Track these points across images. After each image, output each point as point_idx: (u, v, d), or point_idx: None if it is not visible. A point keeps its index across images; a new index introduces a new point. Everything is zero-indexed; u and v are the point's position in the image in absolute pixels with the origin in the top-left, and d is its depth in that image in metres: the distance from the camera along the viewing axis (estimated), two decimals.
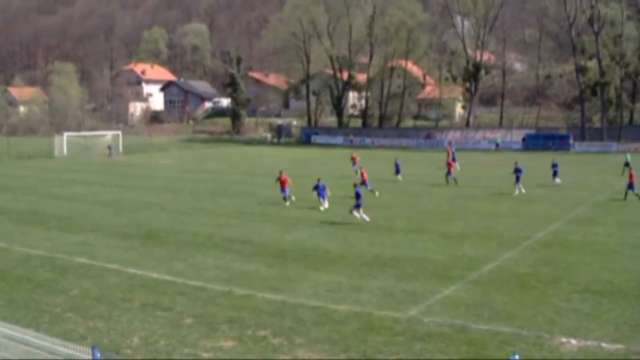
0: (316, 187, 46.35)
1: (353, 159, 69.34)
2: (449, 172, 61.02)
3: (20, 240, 36.27)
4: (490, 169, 67.61)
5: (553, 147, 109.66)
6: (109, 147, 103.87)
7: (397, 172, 62.91)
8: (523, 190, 52.64)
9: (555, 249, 32.16)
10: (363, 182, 51.31)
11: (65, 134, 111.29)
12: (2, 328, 16.10)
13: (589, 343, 19.69)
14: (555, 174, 59.31)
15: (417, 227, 38.96)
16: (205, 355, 19.20)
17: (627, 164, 65.93)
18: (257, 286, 26.18)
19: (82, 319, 22.42)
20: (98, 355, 13.98)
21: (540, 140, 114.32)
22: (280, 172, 48.05)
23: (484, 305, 23.33)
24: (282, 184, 47.18)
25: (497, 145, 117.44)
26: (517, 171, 53.08)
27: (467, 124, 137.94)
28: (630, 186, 48.99)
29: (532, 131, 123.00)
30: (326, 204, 45.96)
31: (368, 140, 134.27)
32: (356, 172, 65.46)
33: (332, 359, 18.94)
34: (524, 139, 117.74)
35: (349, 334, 20.67)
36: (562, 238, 35.11)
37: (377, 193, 51.49)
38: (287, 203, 46.66)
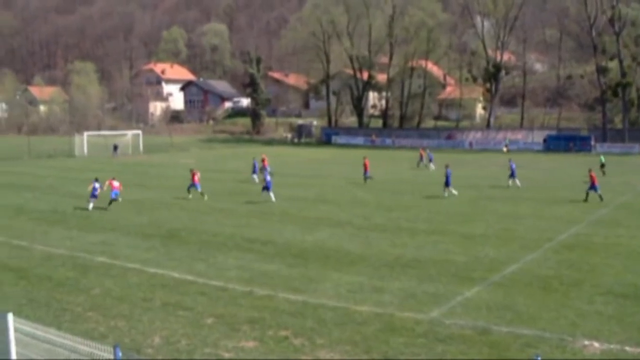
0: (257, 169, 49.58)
1: (263, 161, 68.82)
2: (365, 171, 63.04)
3: (41, 239, 36.40)
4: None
5: (574, 148, 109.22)
6: (115, 147, 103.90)
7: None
8: (454, 192, 52.37)
9: (578, 251, 31.93)
10: (193, 184, 52.53)
11: (86, 134, 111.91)
12: (24, 326, 16.11)
13: (612, 346, 19.50)
14: (512, 174, 58.79)
15: (438, 228, 38.81)
16: (226, 355, 19.16)
17: (602, 165, 65.85)
18: (279, 286, 26.12)
19: (103, 318, 22.43)
20: (119, 354, 13.96)
21: (562, 142, 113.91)
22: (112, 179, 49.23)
23: (506, 307, 23.19)
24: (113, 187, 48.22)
25: (506, 146, 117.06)
26: (447, 175, 52.72)
27: (488, 125, 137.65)
28: (593, 187, 49.26)
29: (553, 132, 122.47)
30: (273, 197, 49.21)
31: (389, 141, 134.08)
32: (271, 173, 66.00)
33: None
34: (545, 140, 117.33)
35: (371, 335, 20.57)
36: (584, 240, 34.90)
37: (206, 197, 52.39)
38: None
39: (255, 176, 64.61)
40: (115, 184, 48.29)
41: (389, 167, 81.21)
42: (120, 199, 48.24)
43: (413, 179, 64.62)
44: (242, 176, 67.43)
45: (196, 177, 52.54)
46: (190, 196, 52.42)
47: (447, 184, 52.52)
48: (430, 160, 78.57)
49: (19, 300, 24.64)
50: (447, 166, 54.16)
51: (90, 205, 47.22)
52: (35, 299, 24.74)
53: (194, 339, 20.31)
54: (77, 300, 24.56)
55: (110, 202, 47.69)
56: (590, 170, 51.24)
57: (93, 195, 47.23)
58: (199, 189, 52.47)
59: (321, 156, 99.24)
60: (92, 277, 27.81)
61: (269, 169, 65.85)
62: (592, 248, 32.80)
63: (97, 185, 47.62)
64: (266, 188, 50.22)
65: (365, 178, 62.48)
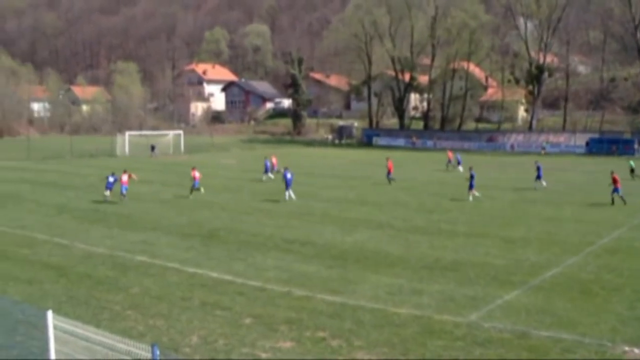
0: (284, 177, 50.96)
1: (273, 164, 71.18)
2: (389, 173, 63.14)
3: (81, 237, 36.69)
4: (552, 173, 66.89)
5: (617, 151, 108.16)
6: (152, 147, 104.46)
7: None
8: (477, 194, 51.88)
9: (619, 256, 31.62)
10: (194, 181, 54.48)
11: (127, 133, 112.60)
12: (64, 324, 16.22)
13: None
14: (539, 176, 59.09)
15: (478, 231, 38.61)
16: (263, 355, 19.18)
17: (632, 170, 65.21)
18: (317, 287, 26.13)
19: (142, 316, 22.56)
20: (157, 353, 14.01)
21: (604, 145, 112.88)
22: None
23: (546, 311, 23.03)
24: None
25: (543, 149, 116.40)
26: (471, 177, 52.25)
27: (530, 127, 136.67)
28: (616, 189, 48.99)
29: (596, 135, 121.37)
30: (292, 195, 48.85)
31: (430, 143, 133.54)
32: (277, 171, 68.17)
33: None
34: (587, 143, 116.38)
35: (409, 338, 20.52)
36: (626, 244, 34.54)
37: (202, 190, 54.42)
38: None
39: (268, 175, 65.53)
40: (124, 178, 51.46)
41: (430, 169, 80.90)
42: (125, 198, 50.31)
43: (453, 181, 64.29)
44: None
45: (196, 175, 54.32)
46: (192, 196, 53.47)
47: (471, 186, 52.12)
48: (458, 163, 78.36)
49: (59, 297, 24.86)
50: (471, 168, 53.81)
51: (107, 194, 51.17)
52: (74, 297, 24.94)
53: (231, 339, 20.37)
54: (116, 298, 24.73)
55: (120, 197, 50.56)
56: (612, 173, 50.91)
57: (108, 187, 51.12)
58: (197, 186, 54.01)
59: (362, 157, 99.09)
60: (132, 276, 28.00)
61: (276, 169, 66.37)
62: (634, 252, 32.50)
63: (111, 179, 51.27)
64: (287, 186, 50.93)
65: (390, 179, 62.45)
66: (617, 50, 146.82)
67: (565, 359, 18.79)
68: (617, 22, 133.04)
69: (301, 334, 20.92)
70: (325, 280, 27.28)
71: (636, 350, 19.45)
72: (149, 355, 14.10)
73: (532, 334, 20.77)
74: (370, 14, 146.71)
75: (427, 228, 39.58)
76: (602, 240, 35.49)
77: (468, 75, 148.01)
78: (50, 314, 16.30)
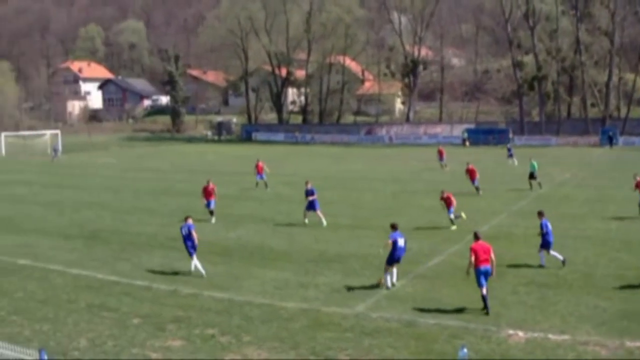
0: None
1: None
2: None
3: None
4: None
5: (493, 141, 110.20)
6: (55, 149, 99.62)
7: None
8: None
9: (500, 242, 31.80)
10: None
11: (3, 134, 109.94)
12: None
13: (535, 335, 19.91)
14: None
15: (362, 224, 39.09)
16: (153, 355, 19.12)
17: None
18: (203, 285, 26.14)
19: (27, 321, 22.19)
20: (45, 357, 13.85)
21: (480, 135, 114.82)
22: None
23: (431, 299, 23.58)
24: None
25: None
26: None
27: (408, 119, 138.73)
28: (473, 180, 50.83)
29: (472, 126, 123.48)
30: None
31: (309, 137, 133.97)
32: None
33: (281, 357, 18.94)
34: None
35: (298, 331, 20.72)
36: (506, 231, 35.53)
37: None
38: None
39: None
40: None
41: (315, 163, 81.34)
42: None
43: (337, 175, 64.74)
44: (165, 175, 67.15)
45: None
46: None
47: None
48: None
49: None
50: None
51: None
52: None
53: (120, 340, 20.23)
54: (0, 304, 24.25)
55: None
56: (468, 164, 52.05)
57: None
58: None
59: (242, 153, 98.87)
60: (15, 280, 27.48)
61: None
62: (514, 239, 33.37)
63: None
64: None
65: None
66: (489, 43, 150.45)
67: (453, 344, 19.21)
68: (489, 16, 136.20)
69: (190, 332, 20.92)
70: (211, 277, 27.23)
71: (520, 333, 20.02)
72: None
73: (420, 322, 21.19)
74: (246, 9, 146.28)
75: (310, 223, 39.73)
76: (482, 227, 36.10)
77: (344, 69, 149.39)
78: None
